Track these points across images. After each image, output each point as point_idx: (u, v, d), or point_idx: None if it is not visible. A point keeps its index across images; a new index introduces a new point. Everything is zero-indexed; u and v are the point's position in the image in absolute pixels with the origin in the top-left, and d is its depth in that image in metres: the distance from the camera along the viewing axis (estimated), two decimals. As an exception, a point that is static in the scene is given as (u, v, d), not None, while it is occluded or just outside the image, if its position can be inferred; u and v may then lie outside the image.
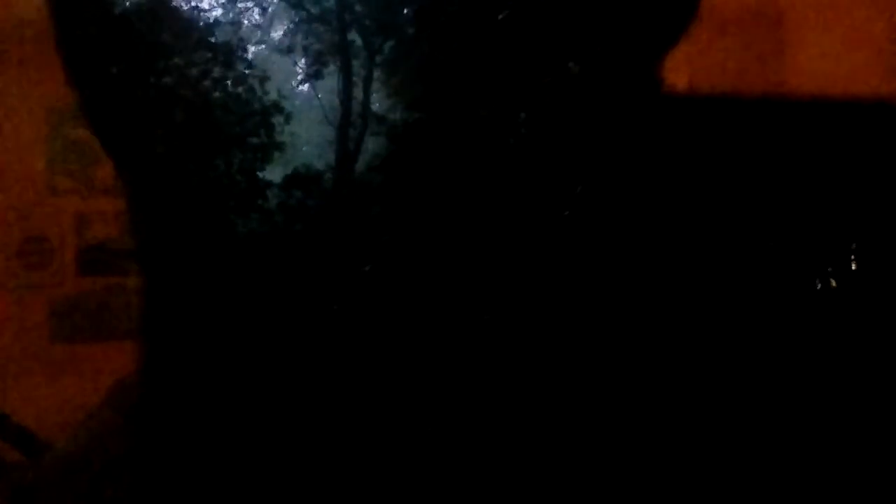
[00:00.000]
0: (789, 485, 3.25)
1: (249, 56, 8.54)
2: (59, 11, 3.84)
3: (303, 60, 10.07)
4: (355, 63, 9.64)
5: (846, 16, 3.18)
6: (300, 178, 8.37)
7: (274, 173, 8.50)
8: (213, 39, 7.84)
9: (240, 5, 9.49)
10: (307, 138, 10.62)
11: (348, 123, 9.39)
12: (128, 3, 6.48)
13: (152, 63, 6.77)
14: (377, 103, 9.71)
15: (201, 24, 8.06)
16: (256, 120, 7.96)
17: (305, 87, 10.71)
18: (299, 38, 9.94)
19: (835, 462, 3.26)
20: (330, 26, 9.58)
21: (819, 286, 4.16)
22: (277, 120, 8.35)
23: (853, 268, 4.01)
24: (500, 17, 3.34)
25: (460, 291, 3.52)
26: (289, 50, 9.94)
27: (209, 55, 7.72)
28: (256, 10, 9.86)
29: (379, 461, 3.41)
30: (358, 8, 9.54)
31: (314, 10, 9.76)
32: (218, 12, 9.34)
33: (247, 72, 8.11)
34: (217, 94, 7.79)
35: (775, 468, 3.30)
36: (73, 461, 3.64)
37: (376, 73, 9.64)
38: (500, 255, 3.49)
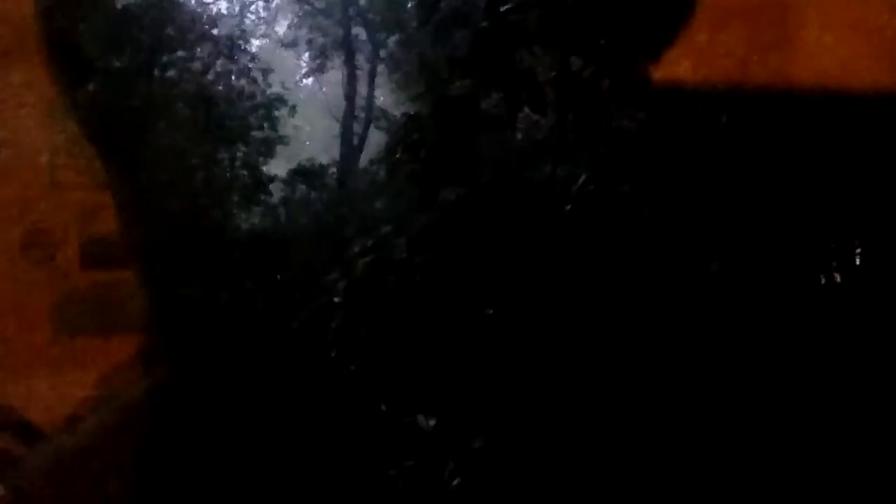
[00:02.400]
0: (789, 484, 3.25)
1: (254, 50, 8.52)
2: (62, 6, 3.84)
3: (307, 54, 10.03)
4: (359, 57, 9.62)
5: (848, 8, 3.17)
6: (304, 172, 8.37)
7: (278, 167, 8.50)
8: (217, 33, 7.83)
9: (244, -1, 9.47)
10: (311, 132, 10.60)
11: (352, 117, 9.38)
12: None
13: (156, 56, 6.76)
14: (381, 97, 9.69)
15: (206, 18, 8.05)
16: (260, 113, 7.95)
17: (310, 80, 10.68)
18: (304, 32, 9.91)
19: (835, 461, 3.25)
20: (334, 20, 9.56)
21: (822, 279, 4.16)
22: (281, 113, 8.33)
23: (856, 261, 4.00)
24: (504, 9, 3.33)
25: (463, 285, 3.51)
26: (293, 44, 9.91)
27: (214, 49, 7.71)
28: (261, 3, 9.84)
29: (379, 459, 3.42)
30: (362, 2, 9.52)
31: (318, 5, 9.74)
32: (223, 6, 9.33)
33: (251, 65, 8.09)
34: (221, 87, 7.79)
35: (775, 467, 3.29)
36: (75, 459, 3.65)
37: (380, 68, 9.62)
38: (503, 249, 3.48)
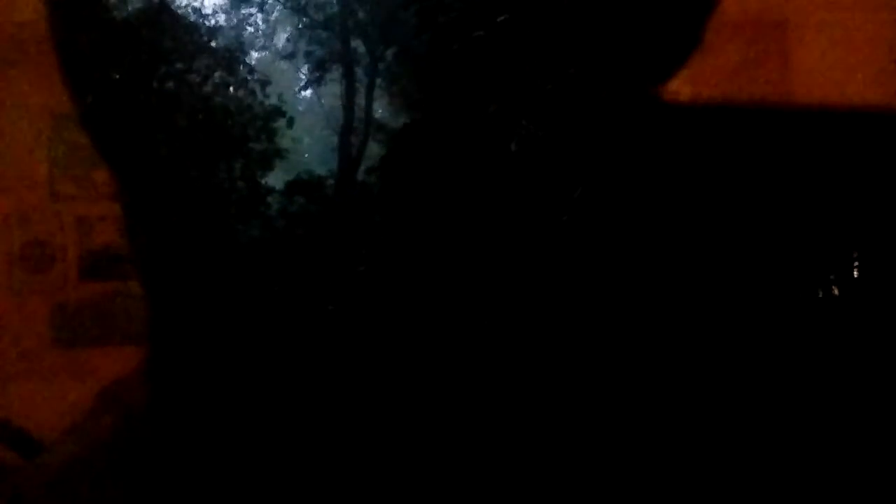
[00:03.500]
0: (789, 486, 3.24)
1: (252, 62, 8.54)
2: (60, 16, 3.85)
3: (305, 67, 10.06)
4: (358, 70, 9.65)
5: (850, 21, 3.18)
6: (302, 185, 8.36)
7: (276, 179, 8.50)
8: (215, 45, 7.85)
9: (243, 11, 9.50)
10: (309, 144, 10.62)
11: (351, 130, 9.40)
12: (130, 9, 6.49)
13: (155, 68, 6.77)
14: (380, 110, 9.72)
15: (204, 30, 8.07)
16: (258, 125, 7.96)
17: (308, 93, 10.70)
18: (302, 44, 9.95)
19: (836, 465, 3.25)
20: (333, 33, 9.59)
21: (821, 294, 4.16)
22: (279, 125, 8.34)
23: (855, 275, 4.00)
24: (500, 19, 3.35)
25: (459, 295, 3.52)
26: (292, 56, 9.94)
27: (212, 61, 7.72)
28: (260, 16, 9.87)
29: (378, 461, 3.41)
30: (360, 15, 9.56)
31: (318, 17, 9.78)
32: (221, 18, 9.36)
33: (249, 77, 8.10)
34: (219, 99, 7.79)
35: (775, 471, 3.29)
36: (73, 464, 3.64)
37: (379, 80, 9.65)
38: (499, 258, 3.49)
